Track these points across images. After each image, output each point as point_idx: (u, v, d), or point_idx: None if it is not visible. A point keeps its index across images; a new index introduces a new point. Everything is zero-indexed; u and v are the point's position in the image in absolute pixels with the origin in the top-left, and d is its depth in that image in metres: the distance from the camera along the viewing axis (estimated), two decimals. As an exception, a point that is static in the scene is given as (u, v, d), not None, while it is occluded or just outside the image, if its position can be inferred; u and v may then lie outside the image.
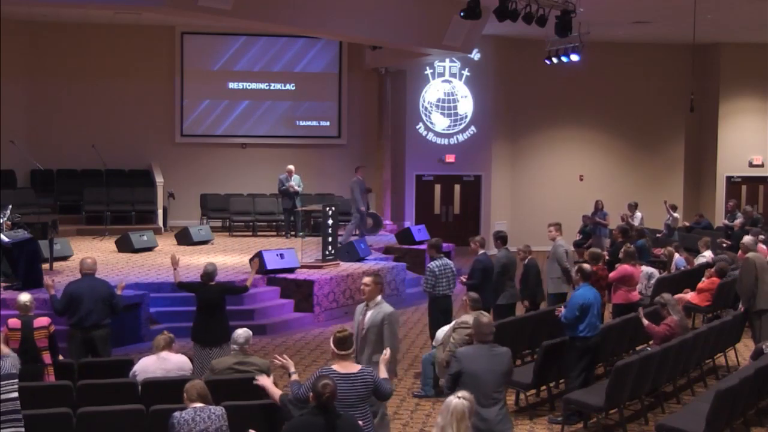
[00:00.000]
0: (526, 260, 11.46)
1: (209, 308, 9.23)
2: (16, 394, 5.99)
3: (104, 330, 8.99)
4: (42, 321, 8.21)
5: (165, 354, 7.65)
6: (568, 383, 8.75)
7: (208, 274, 9.36)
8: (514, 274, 11.22)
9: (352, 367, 6.02)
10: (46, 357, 8.07)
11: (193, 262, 14.31)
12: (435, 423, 5.17)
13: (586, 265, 9.06)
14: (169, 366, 7.57)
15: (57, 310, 9.04)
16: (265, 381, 6.61)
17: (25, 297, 8.31)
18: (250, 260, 10.48)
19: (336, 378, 5.81)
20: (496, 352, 6.42)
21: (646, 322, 9.26)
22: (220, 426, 5.77)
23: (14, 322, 8.14)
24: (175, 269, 9.68)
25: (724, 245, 13.71)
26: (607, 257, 12.76)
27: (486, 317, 6.87)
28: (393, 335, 7.16)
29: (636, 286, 11.28)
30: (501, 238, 11.41)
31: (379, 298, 7.31)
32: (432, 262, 10.58)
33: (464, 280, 10.95)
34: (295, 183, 17.29)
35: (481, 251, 10.98)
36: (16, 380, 6.05)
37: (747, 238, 11.36)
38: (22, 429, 5.97)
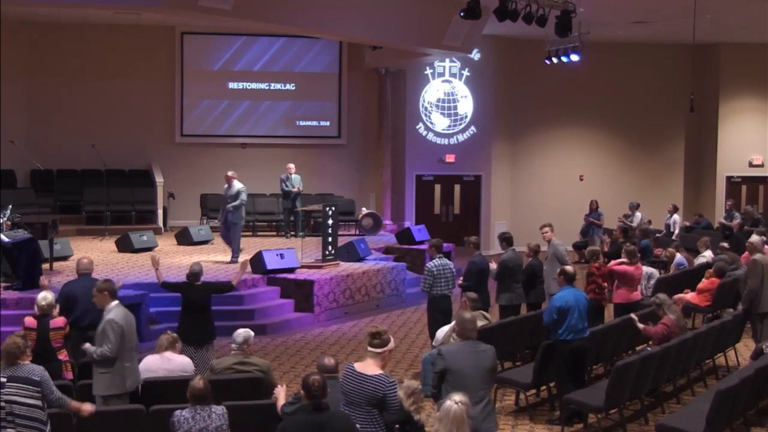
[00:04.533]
0: (531, 259, 11.37)
1: (194, 308, 9.22)
2: (35, 402, 6.02)
3: None
4: (58, 322, 8.23)
5: (168, 354, 7.66)
6: (558, 386, 8.75)
7: (195, 274, 9.35)
8: (519, 276, 11.15)
9: (372, 369, 5.88)
10: (62, 355, 8.14)
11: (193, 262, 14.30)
12: (433, 430, 5.10)
13: (569, 268, 8.96)
14: (172, 366, 7.57)
15: None
16: (279, 394, 6.46)
17: (46, 298, 8.27)
18: (242, 262, 10.46)
19: (350, 374, 5.85)
20: (480, 349, 6.38)
21: (641, 326, 9.25)
22: (221, 425, 5.78)
23: (30, 321, 8.15)
24: (156, 269, 9.63)
25: (726, 247, 13.72)
26: (604, 250, 12.78)
27: (471, 314, 6.75)
28: (105, 341, 7.06)
29: (637, 285, 11.28)
30: (506, 240, 11.34)
31: (111, 304, 7.25)
32: (430, 262, 10.58)
33: (461, 281, 10.90)
34: (296, 182, 17.27)
35: (477, 252, 10.95)
36: (38, 389, 6.07)
37: (755, 239, 11.30)
38: None
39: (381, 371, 5.92)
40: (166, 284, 9.67)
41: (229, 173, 14.42)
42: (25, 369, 6.10)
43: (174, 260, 14.52)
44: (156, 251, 15.68)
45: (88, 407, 6.41)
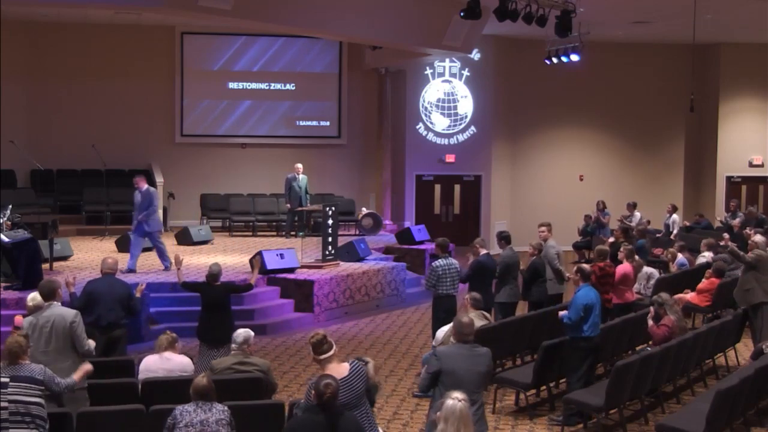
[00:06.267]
0: (534, 257, 11.31)
1: (214, 308, 9.28)
2: (38, 400, 6.09)
3: (121, 330, 9.01)
4: None
5: (168, 354, 7.65)
6: (570, 384, 8.74)
7: (213, 275, 9.38)
8: (516, 274, 11.19)
9: (341, 369, 5.91)
10: None
11: (194, 262, 14.33)
12: (438, 430, 5.05)
13: (585, 265, 9.04)
14: (172, 366, 7.56)
15: (75, 308, 9.01)
16: None
17: (34, 299, 8.25)
18: (251, 260, 10.47)
19: None
20: (477, 353, 6.38)
21: (651, 323, 9.26)
22: (221, 419, 5.78)
23: (20, 321, 8.12)
24: (178, 269, 9.72)
25: (734, 245, 13.67)
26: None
27: (468, 318, 6.67)
28: None
29: (633, 286, 11.28)
30: (504, 238, 11.39)
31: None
32: (436, 261, 10.60)
33: None
34: (304, 184, 17.25)
35: (483, 252, 10.95)
36: (41, 387, 6.15)
37: (759, 238, 11.29)
38: None
39: (346, 364, 5.98)
40: (186, 284, 9.71)
41: (137, 178, 13.51)
42: (27, 368, 6.16)
43: (174, 260, 14.50)
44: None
45: (87, 366, 6.88)
